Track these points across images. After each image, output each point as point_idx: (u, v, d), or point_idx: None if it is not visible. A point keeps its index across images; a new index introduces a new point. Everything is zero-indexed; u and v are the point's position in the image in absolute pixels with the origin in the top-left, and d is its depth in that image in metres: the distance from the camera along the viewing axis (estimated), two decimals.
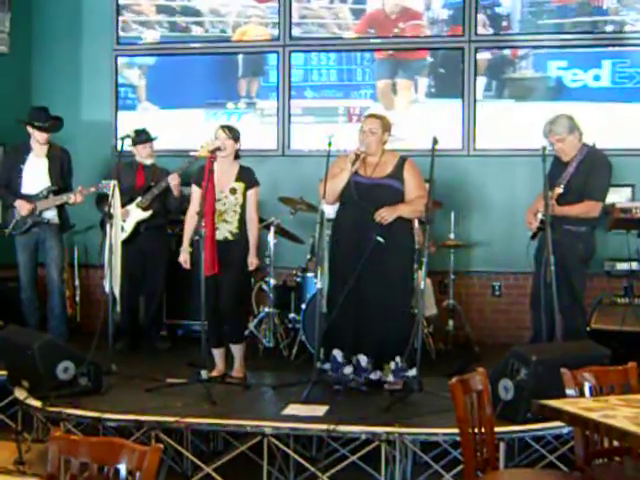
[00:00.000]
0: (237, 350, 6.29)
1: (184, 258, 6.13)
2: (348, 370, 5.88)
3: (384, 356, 5.85)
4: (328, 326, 5.87)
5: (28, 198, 7.08)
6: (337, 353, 5.91)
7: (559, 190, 5.96)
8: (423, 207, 5.75)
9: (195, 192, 6.20)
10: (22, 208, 7.06)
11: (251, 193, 6.19)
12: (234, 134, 6.21)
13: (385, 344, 5.83)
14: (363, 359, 5.84)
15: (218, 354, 6.27)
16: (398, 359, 5.79)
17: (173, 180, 7.08)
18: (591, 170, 6.10)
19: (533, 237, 6.33)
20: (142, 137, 7.35)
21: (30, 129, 7.16)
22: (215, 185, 6.00)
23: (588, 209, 6.08)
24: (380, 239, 5.72)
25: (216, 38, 8.62)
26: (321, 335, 5.87)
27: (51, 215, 7.14)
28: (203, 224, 5.70)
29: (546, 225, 5.70)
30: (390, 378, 5.83)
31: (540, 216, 6.14)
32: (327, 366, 5.96)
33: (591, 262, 6.31)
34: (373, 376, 5.86)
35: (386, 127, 6.02)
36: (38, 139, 7.17)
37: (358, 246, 5.76)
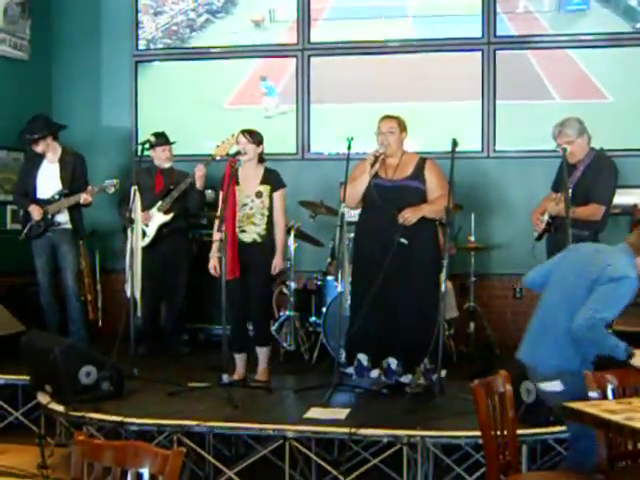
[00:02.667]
0: (263, 353, 6.29)
1: (212, 264, 6.13)
2: (374, 374, 5.87)
3: (414, 359, 5.82)
4: (350, 330, 5.87)
5: (41, 202, 7.17)
6: (362, 357, 5.89)
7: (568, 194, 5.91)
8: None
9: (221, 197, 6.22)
10: (34, 212, 7.15)
11: (277, 195, 6.19)
12: (255, 138, 6.20)
13: (414, 347, 5.79)
14: (393, 362, 5.83)
15: (240, 359, 6.28)
16: (427, 361, 5.77)
17: (199, 171, 7.05)
18: (597, 174, 6.09)
19: (538, 238, 6.34)
20: (160, 140, 7.37)
21: None
22: (242, 190, 6.04)
23: (592, 212, 6.05)
24: (403, 241, 5.70)
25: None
26: (341, 338, 5.88)
27: (63, 219, 7.20)
28: (224, 228, 5.71)
29: (567, 227, 5.66)
30: (422, 381, 5.81)
31: (546, 218, 6.13)
32: (350, 370, 5.95)
33: None
34: (404, 379, 5.84)
35: (403, 126, 6.01)
36: (36, 150, 7.28)
37: (381, 249, 5.74)
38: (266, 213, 6.16)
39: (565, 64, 8.13)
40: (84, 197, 7.09)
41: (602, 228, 6.28)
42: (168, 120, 8.40)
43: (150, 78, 8.85)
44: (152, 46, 8.85)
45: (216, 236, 6.13)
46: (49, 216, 7.13)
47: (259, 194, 6.15)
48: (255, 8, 8.69)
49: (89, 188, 7.12)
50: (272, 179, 6.23)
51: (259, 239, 6.14)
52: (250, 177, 6.18)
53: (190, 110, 8.70)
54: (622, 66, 8.03)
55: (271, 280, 6.39)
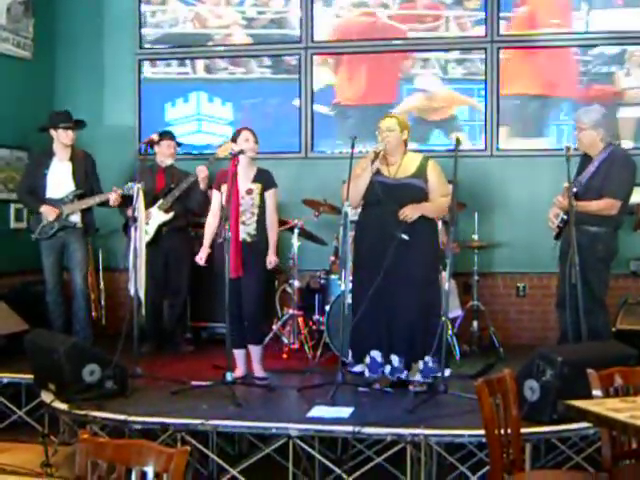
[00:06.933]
0: (254, 351, 6.28)
1: (200, 256, 6.19)
2: (388, 369, 5.88)
3: (414, 356, 5.84)
4: (355, 327, 5.86)
5: (53, 202, 7.11)
6: (376, 354, 5.89)
7: (573, 189, 5.89)
8: (446, 206, 5.77)
9: (215, 195, 6.24)
10: (49, 213, 7.06)
11: (269, 194, 6.20)
12: (256, 137, 6.24)
13: (414, 344, 5.81)
14: (395, 359, 5.83)
15: (239, 355, 6.29)
16: (428, 359, 5.78)
17: (202, 172, 7.07)
18: (611, 168, 6.06)
19: (557, 237, 6.30)
20: (168, 134, 7.50)
21: (54, 132, 7.16)
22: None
23: (605, 206, 5.99)
24: (404, 236, 5.70)
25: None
26: (345, 337, 5.87)
27: (76, 219, 7.17)
28: (227, 227, 5.71)
29: (570, 225, 5.67)
30: (417, 377, 5.82)
31: (562, 215, 6.11)
32: (359, 368, 5.95)
33: (613, 263, 6.21)
34: (403, 376, 5.85)
35: (403, 125, 6.01)
36: (63, 140, 7.15)
37: (382, 247, 5.74)
38: (256, 212, 6.14)
39: None
40: (114, 197, 7.02)
41: (620, 225, 6.20)
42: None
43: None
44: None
45: (207, 230, 6.24)
46: (64, 217, 7.08)
47: (249, 191, 6.14)
48: None
49: (114, 188, 7.06)
50: (264, 178, 6.23)
51: (248, 239, 6.11)
52: (242, 175, 6.17)
53: None
54: None
55: (264, 280, 6.33)
